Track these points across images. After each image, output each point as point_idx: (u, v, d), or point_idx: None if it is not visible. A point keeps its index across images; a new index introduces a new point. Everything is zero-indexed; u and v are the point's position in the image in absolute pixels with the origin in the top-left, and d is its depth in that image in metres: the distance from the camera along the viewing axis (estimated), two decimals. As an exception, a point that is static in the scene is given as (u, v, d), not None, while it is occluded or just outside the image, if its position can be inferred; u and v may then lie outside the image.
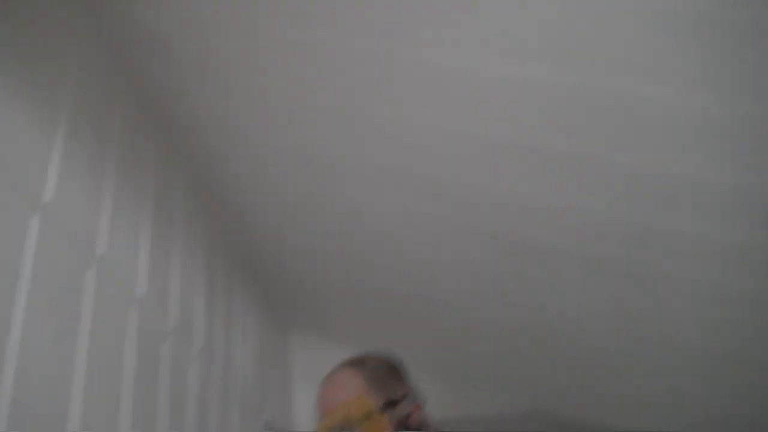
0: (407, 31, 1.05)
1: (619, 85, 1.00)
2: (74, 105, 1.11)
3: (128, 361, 1.17)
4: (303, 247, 2.11)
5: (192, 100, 1.48)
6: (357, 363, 1.17)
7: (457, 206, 1.51)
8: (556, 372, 2.07)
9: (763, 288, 1.26)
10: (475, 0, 0.96)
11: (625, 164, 1.15)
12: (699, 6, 0.84)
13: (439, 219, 1.59)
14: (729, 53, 0.89)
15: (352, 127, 1.39)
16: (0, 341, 0.81)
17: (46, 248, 0.94)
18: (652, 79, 0.97)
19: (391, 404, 1.08)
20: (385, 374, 1.16)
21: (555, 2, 0.92)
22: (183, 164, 1.65)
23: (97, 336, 1.05)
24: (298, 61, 1.22)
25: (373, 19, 1.06)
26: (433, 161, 1.38)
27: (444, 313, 2.10)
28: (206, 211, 1.80)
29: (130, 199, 1.29)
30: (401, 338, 2.55)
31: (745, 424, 1.77)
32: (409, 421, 1.06)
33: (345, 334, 2.63)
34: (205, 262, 1.72)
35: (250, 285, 2.19)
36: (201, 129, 1.58)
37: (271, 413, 2.13)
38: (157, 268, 1.36)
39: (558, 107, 1.08)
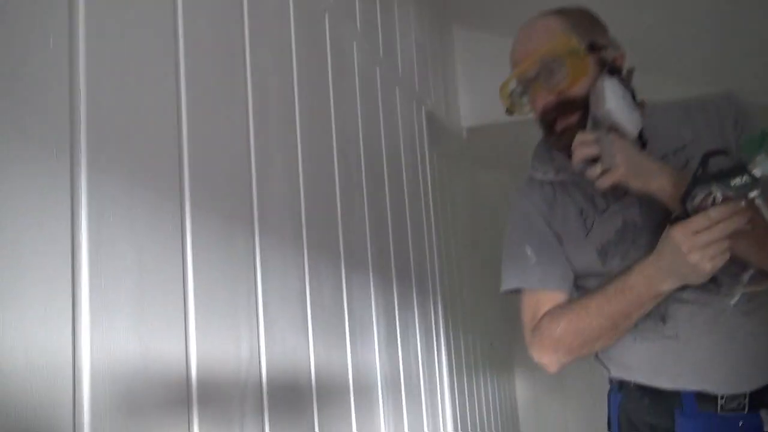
0: None
1: None
2: None
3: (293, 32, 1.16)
4: None
5: None
6: (556, 10, 1.06)
7: None
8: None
9: None
10: None
11: None
12: None
13: None
14: None
15: None
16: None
17: None
18: None
19: (594, 47, 1.00)
20: (588, 19, 1.05)
21: None
22: None
23: None
24: None
25: None
26: None
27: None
28: None
29: None
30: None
31: None
32: (614, 66, 0.99)
33: (506, 28, 2.46)
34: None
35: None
36: None
37: (434, 102, 2.14)
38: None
39: None
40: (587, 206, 1.03)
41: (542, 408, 3.08)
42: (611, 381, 1.10)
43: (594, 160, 0.93)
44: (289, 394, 0.99)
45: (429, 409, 1.63)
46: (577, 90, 0.99)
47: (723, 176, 0.84)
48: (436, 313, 1.86)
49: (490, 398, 2.72)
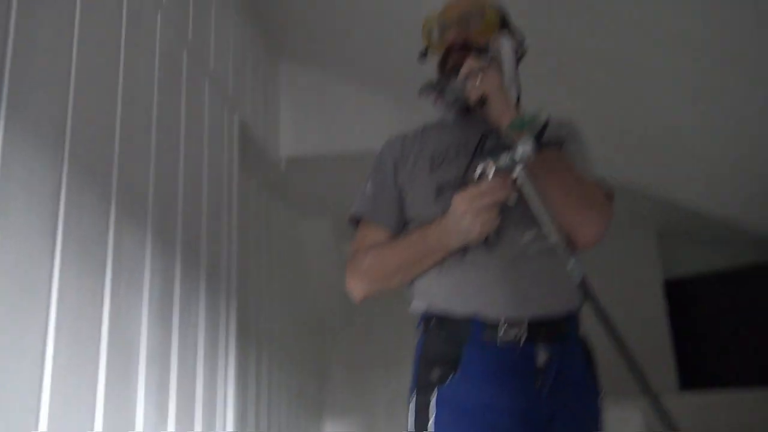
0: None
1: None
2: None
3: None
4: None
5: None
6: None
7: None
8: None
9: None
10: None
11: None
12: None
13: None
14: None
15: None
16: None
17: None
18: None
19: (506, 22, 1.25)
20: (504, 10, 1.27)
21: None
22: None
23: None
24: None
25: None
26: None
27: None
28: None
29: None
30: (397, 79, 2.48)
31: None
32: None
33: (334, 69, 2.56)
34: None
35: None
36: None
37: (250, 116, 2.11)
38: None
39: None
40: (442, 152, 1.19)
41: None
42: (417, 328, 1.18)
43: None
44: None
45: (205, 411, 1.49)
46: (482, 39, 1.19)
47: (495, 153, 0.96)
48: (227, 333, 1.74)
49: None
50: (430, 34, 1.27)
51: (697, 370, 4.19)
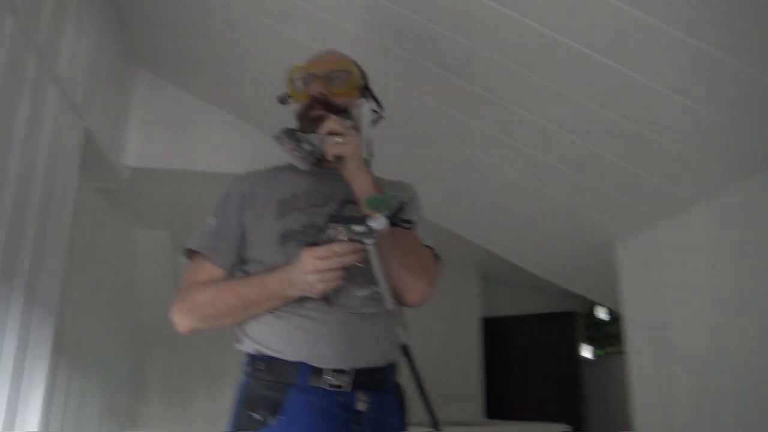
0: None
1: None
2: None
3: None
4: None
5: None
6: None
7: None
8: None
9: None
10: None
11: None
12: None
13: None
14: None
15: None
16: None
17: None
18: None
19: (368, 88, 1.30)
20: (367, 79, 1.32)
21: None
22: None
23: None
24: None
25: None
26: None
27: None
28: None
29: None
30: (250, 110, 2.52)
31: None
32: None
33: (192, 89, 2.54)
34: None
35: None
36: None
37: (96, 125, 2.04)
38: None
39: None
40: (290, 200, 1.22)
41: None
42: (244, 368, 1.17)
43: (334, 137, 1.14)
44: None
45: None
46: (342, 100, 1.23)
47: (351, 221, 1.03)
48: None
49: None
50: (294, 83, 1.28)
51: (502, 401, 4.59)
